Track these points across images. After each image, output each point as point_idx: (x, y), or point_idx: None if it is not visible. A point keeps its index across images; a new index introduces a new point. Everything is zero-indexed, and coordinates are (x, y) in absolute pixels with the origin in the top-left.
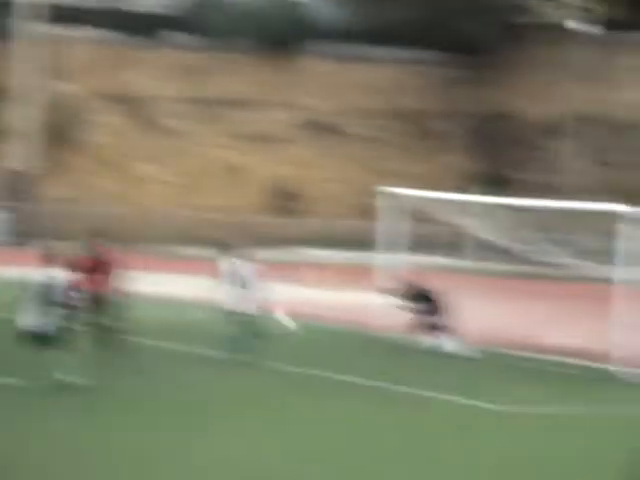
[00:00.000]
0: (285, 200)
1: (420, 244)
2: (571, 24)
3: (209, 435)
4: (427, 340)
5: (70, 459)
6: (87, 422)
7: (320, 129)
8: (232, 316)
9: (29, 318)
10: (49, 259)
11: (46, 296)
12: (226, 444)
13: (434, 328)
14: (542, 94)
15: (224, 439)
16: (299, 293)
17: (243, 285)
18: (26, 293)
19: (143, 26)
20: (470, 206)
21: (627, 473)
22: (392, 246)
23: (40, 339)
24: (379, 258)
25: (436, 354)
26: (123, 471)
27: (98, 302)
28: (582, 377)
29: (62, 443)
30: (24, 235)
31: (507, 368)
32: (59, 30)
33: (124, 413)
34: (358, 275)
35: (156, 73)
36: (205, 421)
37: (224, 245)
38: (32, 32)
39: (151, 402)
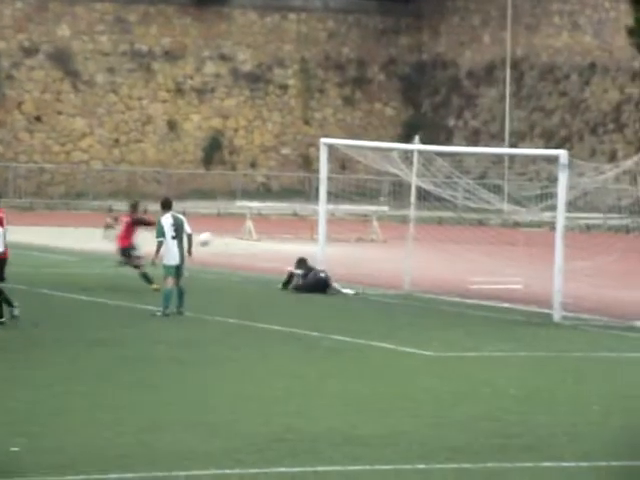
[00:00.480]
0: (222, 153)
1: (360, 194)
2: None
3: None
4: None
5: None
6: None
7: (256, 81)
8: (171, 270)
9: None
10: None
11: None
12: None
13: None
14: (476, 41)
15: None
16: (238, 245)
17: (180, 239)
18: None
19: None
20: (408, 154)
21: None
22: (333, 197)
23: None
24: (320, 208)
25: (363, 300)
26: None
27: None
28: (521, 322)
29: None
30: None
31: (442, 314)
32: None
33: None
34: (297, 226)
35: (86, 27)
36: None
37: (164, 200)
38: None
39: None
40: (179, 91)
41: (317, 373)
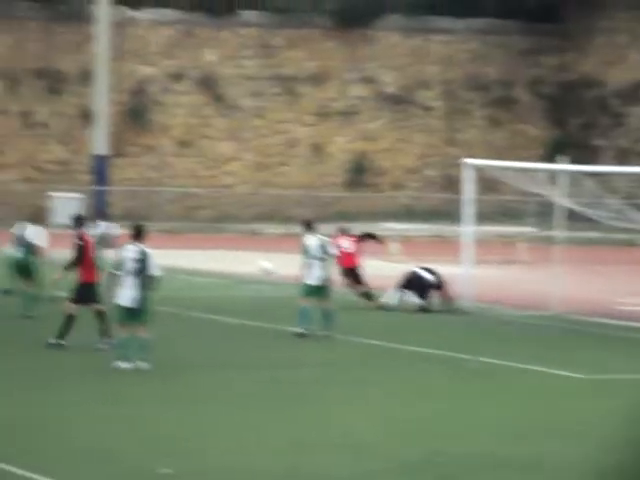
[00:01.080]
0: (367, 175)
1: (506, 215)
2: None
3: (309, 404)
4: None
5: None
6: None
7: (400, 102)
8: (311, 289)
9: (125, 293)
10: (138, 235)
11: (140, 271)
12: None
13: None
14: (623, 59)
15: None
16: (382, 267)
17: (324, 260)
18: (118, 269)
19: (218, 6)
20: (555, 175)
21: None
22: (477, 218)
23: (133, 313)
24: (465, 230)
25: (509, 322)
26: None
27: None
28: None
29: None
30: (106, 217)
31: (591, 336)
32: (136, 13)
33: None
34: (443, 248)
35: (233, 52)
36: (303, 393)
37: (308, 222)
38: (111, 15)
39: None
40: (324, 114)
41: (464, 395)
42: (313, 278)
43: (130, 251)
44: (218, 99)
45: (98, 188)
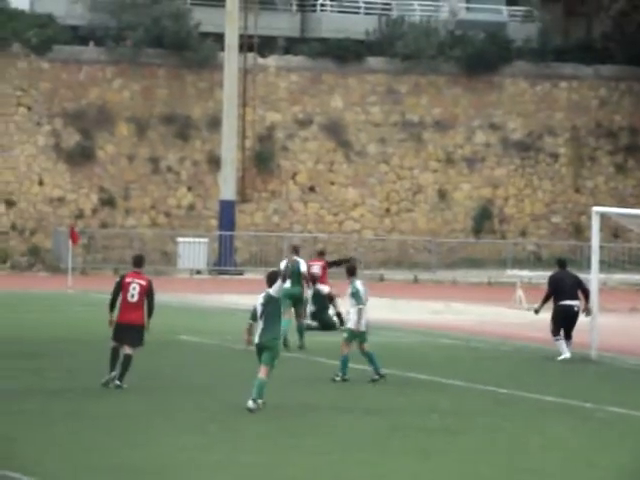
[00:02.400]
0: (493, 222)
1: (632, 263)
2: None
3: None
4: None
5: None
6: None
7: (526, 149)
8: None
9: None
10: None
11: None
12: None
13: None
14: None
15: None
16: (509, 314)
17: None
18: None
19: (345, 52)
20: None
21: None
22: (604, 265)
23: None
24: (591, 278)
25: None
26: None
27: None
28: None
29: None
30: (229, 264)
31: None
32: (264, 60)
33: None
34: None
35: (359, 98)
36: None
37: (352, 268)
38: (239, 62)
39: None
40: (449, 160)
41: (592, 446)
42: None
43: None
44: (344, 145)
45: (224, 233)
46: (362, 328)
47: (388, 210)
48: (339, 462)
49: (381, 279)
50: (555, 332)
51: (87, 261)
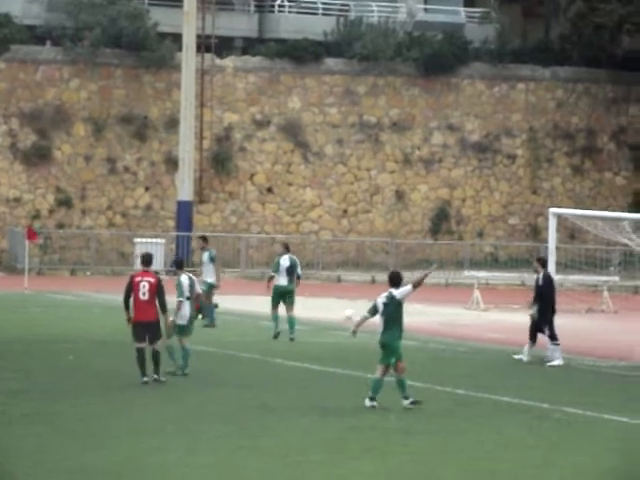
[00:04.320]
0: (450, 223)
1: (589, 264)
2: None
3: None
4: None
5: None
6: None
7: (483, 151)
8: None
9: None
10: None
11: None
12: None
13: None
14: None
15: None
16: (465, 316)
17: None
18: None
19: (303, 53)
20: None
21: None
22: (561, 266)
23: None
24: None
25: (594, 372)
26: None
27: None
28: None
29: None
30: (186, 265)
31: None
32: (222, 60)
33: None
34: (527, 296)
35: (317, 99)
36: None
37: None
38: (197, 63)
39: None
40: (407, 161)
41: (549, 445)
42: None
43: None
44: (302, 146)
45: (182, 234)
46: (179, 321)
47: (346, 211)
48: (297, 463)
49: (339, 280)
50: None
51: (44, 262)
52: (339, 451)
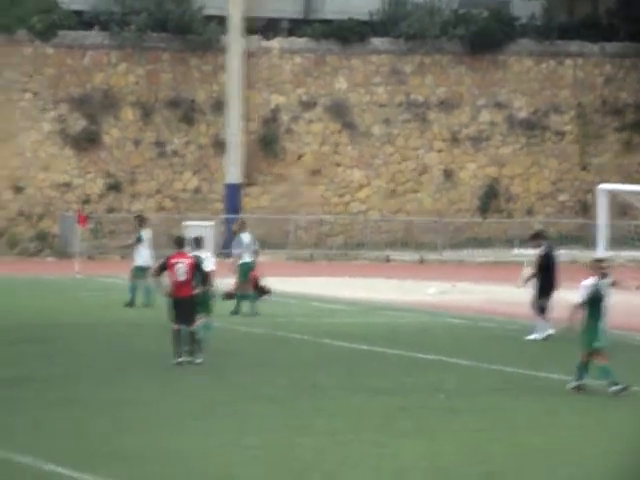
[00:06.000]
0: (499, 201)
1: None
2: None
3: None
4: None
5: None
6: None
7: (532, 128)
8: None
9: None
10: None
11: None
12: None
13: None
14: None
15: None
16: (515, 294)
17: None
18: None
19: (349, 34)
20: None
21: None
22: (611, 243)
23: None
24: (599, 256)
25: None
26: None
27: None
28: None
29: None
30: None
31: None
32: (268, 42)
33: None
34: (577, 273)
35: (363, 79)
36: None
37: None
38: (243, 45)
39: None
40: (455, 140)
41: (597, 424)
42: None
43: None
44: (349, 126)
45: (230, 216)
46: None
47: (394, 191)
48: (347, 443)
49: (387, 260)
50: None
51: (94, 246)
52: (389, 431)
